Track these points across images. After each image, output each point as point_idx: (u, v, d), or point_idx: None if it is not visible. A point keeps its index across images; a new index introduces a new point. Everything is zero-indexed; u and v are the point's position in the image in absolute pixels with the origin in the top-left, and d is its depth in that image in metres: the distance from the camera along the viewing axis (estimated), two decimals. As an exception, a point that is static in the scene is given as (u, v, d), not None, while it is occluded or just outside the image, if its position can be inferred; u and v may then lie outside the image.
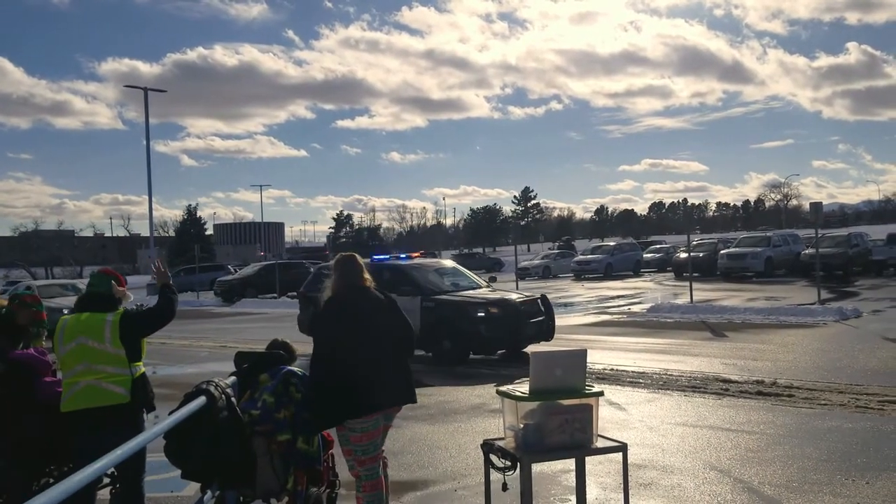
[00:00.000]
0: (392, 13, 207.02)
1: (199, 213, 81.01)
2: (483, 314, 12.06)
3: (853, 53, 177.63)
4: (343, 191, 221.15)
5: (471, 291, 13.04)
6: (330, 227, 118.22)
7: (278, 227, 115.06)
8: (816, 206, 20.29)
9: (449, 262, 15.67)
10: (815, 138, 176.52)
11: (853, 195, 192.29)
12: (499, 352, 12.64)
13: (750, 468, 6.13)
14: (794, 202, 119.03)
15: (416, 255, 17.62)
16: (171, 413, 4.20)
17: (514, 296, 13.13)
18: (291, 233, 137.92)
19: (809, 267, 27.03)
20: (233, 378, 4.80)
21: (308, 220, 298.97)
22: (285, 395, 4.61)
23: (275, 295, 31.51)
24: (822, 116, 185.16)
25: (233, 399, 4.52)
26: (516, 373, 10.44)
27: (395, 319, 4.73)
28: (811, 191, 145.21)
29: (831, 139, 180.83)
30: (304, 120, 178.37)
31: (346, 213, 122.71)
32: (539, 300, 12.94)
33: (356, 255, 4.96)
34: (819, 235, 21.99)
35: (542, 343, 12.65)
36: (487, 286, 13.84)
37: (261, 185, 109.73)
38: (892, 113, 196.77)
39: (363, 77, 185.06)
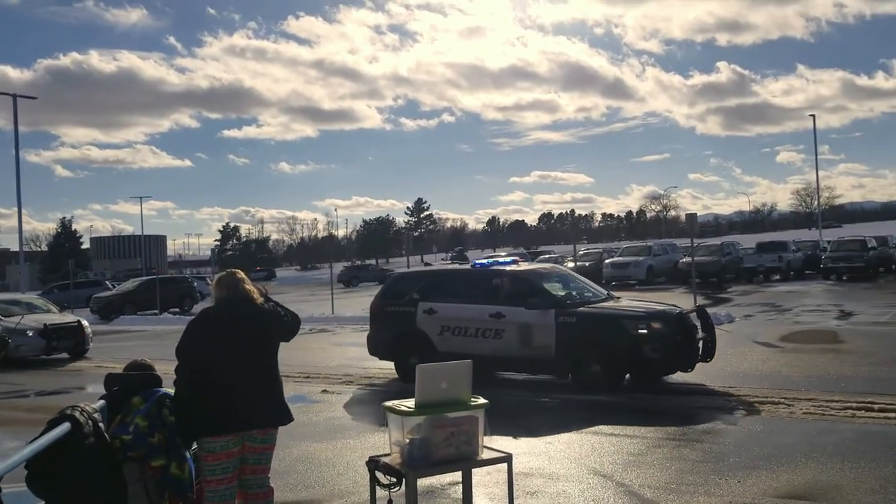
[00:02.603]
0: (278, 22, 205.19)
1: (74, 226, 77.52)
2: (645, 330, 9.78)
3: (724, 72, 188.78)
4: (230, 202, 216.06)
5: (609, 303, 10.83)
6: (215, 240, 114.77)
7: (160, 241, 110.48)
8: (692, 217, 21.37)
9: (562, 268, 13.30)
10: (690, 152, 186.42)
11: (726, 206, 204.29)
12: (665, 376, 10.40)
13: (631, 472, 6.31)
14: (672, 213, 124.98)
15: (520, 259, 14.10)
16: (32, 441, 3.94)
17: (669, 308, 10.79)
18: (174, 246, 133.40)
19: (687, 274, 28.38)
20: (101, 402, 4.53)
21: (192, 232, 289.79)
22: (158, 419, 4.38)
23: (156, 311, 30.27)
24: (696, 132, 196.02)
25: (100, 424, 4.26)
26: (404, 388, 10.38)
27: (278, 329, 4.60)
28: (688, 202, 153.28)
29: (705, 153, 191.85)
30: (188, 129, 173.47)
31: (232, 224, 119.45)
32: (695, 313, 10.71)
33: (238, 271, 4.79)
34: (695, 245, 23.14)
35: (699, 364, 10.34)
36: (609, 296, 11.41)
37: (141, 197, 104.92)
38: (759, 129, 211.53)
39: (250, 86, 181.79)
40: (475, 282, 11.30)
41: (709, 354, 10.31)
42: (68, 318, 17.89)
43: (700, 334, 10.27)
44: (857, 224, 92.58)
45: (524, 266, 11.79)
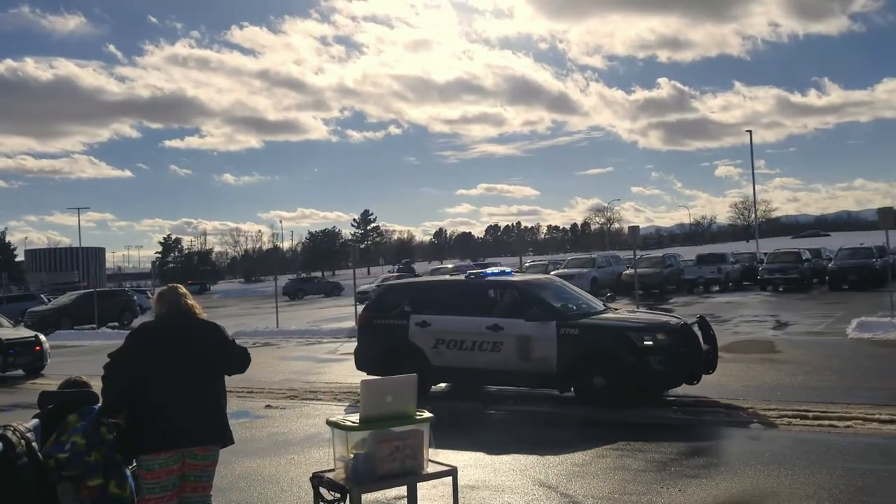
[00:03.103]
0: (222, 32, 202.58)
1: (7, 238, 75.01)
2: (651, 342, 9.51)
3: (664, 88, 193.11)
4: (171, 214, 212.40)
5: (609, 314, 10.57)
6: (156, 253, 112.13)
7: (98, 253, 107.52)
8: (634, 230, 21.84)
9: (556, 279, 12.73)
10: (633, 166, 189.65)
11: (667, 219, 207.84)
12: (670, 390, 10.12)
13: (575, 482, 6.38)
14: (616, 225, 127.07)
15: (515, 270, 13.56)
16: (-40, 463, 3.79)
17: (672, 319, 10.69)
18: (114, 258, 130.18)
19: (630, 286, 28.85)
20: (35, 421, 4.39)
21: (133, 244, 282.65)
22: (96, 437, 4.27)
23: (93, 326, 29.46)
24: (638, 146, 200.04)
25: (34, 444, 4.13)
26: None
27: (219, 346, 4.52)
28: (631, 215, 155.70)
29: (647, 167, 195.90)
30: (128, 139, 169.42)
31: (174, 237, 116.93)
32: (697, 324, 10.30)
33: (180, 285, 4.72)
34: (637, 257, 23.58)
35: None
36: (607, 307, 11.13)
37: (79, 208, 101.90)
38: (699, 144, 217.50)
39: (193, 95, 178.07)
40: (470, 293, 10.95)
41: (710, 366, 10.11)
42: (24, 332, 16.96)
43: (703, 346, 10.01)
44: (842, 233, 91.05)
45: (520, 277, 11.44)
